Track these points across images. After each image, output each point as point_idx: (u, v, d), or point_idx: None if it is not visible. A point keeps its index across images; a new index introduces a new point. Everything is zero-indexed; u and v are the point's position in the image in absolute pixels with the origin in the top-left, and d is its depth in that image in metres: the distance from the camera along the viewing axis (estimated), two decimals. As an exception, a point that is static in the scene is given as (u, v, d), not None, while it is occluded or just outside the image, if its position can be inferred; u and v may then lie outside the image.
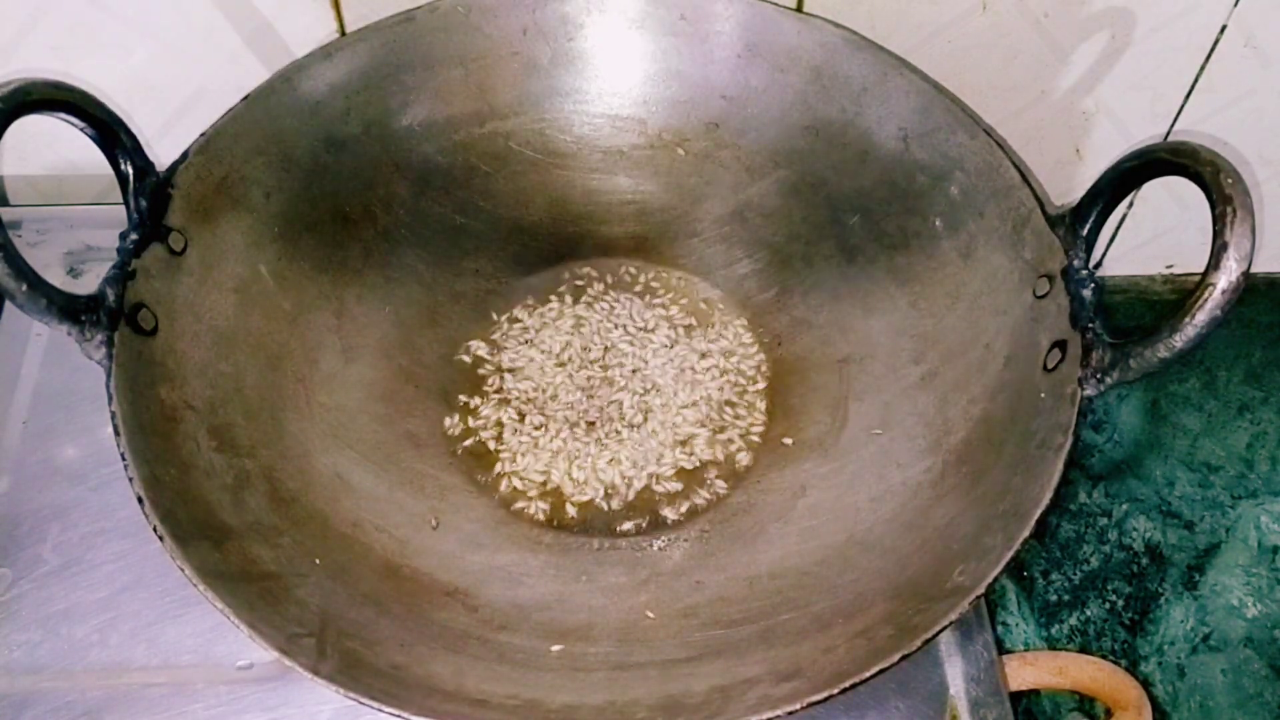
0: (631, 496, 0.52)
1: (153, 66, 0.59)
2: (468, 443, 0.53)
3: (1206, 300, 0.37)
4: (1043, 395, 0.45)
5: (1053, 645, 0.64)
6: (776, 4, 0.55)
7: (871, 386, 0.53)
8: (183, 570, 0.39)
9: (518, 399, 0.54)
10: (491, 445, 0.53)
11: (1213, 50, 0.60)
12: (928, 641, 0.39)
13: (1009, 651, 0.56)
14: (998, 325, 0.49)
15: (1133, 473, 0.69)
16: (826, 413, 0.53)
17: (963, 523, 0.45)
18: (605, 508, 0.51)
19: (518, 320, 0.57)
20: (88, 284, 0.47)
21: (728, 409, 0.54)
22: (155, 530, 0.40)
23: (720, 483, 0.52)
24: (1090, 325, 0.43)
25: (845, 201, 0.55)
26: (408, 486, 0.50)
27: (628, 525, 0.51)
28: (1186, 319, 0.38)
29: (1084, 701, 0.63)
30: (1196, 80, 0.62)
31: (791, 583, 0.47)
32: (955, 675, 0.49)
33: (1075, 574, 0.66)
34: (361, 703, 0.38)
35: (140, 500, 0.40)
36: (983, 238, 0.50)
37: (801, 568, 0.48)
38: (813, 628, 0.44)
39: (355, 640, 0.42)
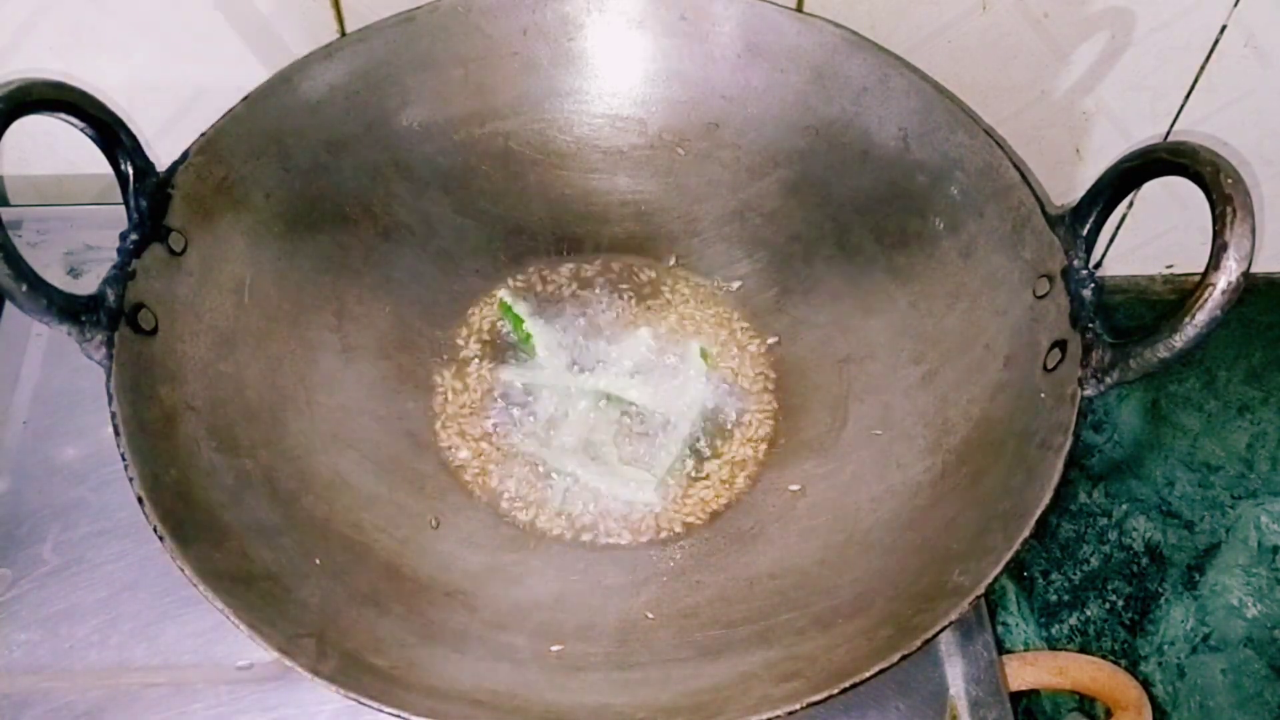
0: (631, 496, 0.52)
1: (153, 66, 0.59)
2: (468, 443, 0.53)
3: (1206, 300, 0.37)
4: (1043, 395, 0.45)
5: (1053, 645, 0.64)
6: (776, 4, 0.55)
7: (871, 386, 0.53)
8: (183, 570, 0.39)
9: (518, 399, 0.54)
10: (492, 445, 0.53)
11: (1213, 50, 0.60)
12: (928, 641, 0.39)
13: (1009, 651, 0.56)
14: (998, 325, 0.49)
15: (1133, 473, 0.69)
16: (826, 413, 0.53)
17: (963, 523, 0.45)
18: (605, 508, 0.51)
19: (518, 320, 0.56)
20: (88, 284, 0.47)
21: (728, 410, 0.54)
22: (155, 530, 0.40)
23: (721, 483, 0.52)
24: (1090, 325, 0.43)
25: (845, 201, 0.55)
26: (408, 486, 0.50)
27: (628, 525, 0.51)
28: (1186, 319, 0.38)
29: (1084, 701, 0.63)
30: (1196, 80, 0.62)
31: (791, 583, 0.47)
32: (955, 675, 0.49)
33: (1075, 574, 0.66)
34: (361, 703, 0.38)
35: (140, 500, 0.40)
36: (983, 238, 0.50)
37: (801, 568, 0.48)
38: (813, 628, 0.44)
39: (355, 640, 0.42)
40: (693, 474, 0.52)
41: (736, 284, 0.58)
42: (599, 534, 0.50)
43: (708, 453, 0.53)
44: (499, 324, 0.56)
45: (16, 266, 0.40)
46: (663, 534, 0.50)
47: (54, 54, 0.58)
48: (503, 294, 0.57)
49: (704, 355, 0.55)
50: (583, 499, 0.51)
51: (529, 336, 0.55)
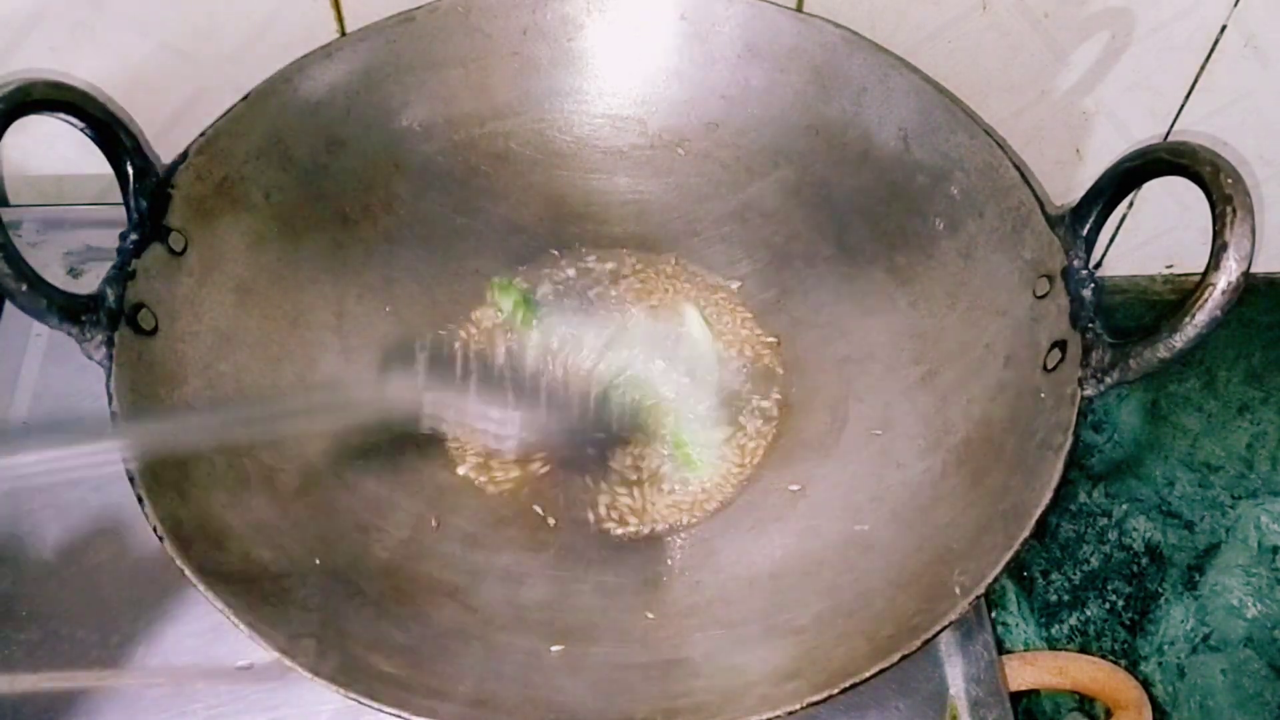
0: (631, 498, 0.52)
1: (153, 66, 0.59)
2: (469, 443, 0.53)
3: (1206, 300, 0.37)
4: (1043, 395, 0.45)
5: (1053, 645, 0.64)
6: (776, 4, 0.55)
7: (871, 386, 0.53)
8: (183, 570, 0.39)
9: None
10: (494, 445, 0.53)
11: (1213, 50, 0.60)
12: (928, 641, 0.39)
13: (1009, 651, 0.56)
14: (998, 325, 0.49)
15: (1133, 473, 0.69)
16: (826, 413, 0.53)
17: (963, 523, 0.45)
18: (605, 510, 0.51)
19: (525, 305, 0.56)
20: (88, 284, 0.47)
21: (727, 410, 0.54)
22: (155, 530, 0.40)
23: (720, 482, 0.52)
24: (1090, 325, 0.43)
25: (845, 201, 0.55)
26: (408, 486, 0.50)
27: (628, 526, 0.51)
28: (1186, 319, 0.38)
29: (1084, 701, 0.63)
30: (1196, 80, 0.62)
31: (791, 583, 0.47)
32: (955, 675, 0.49)
33: (1075, 574, 0.66)
34: (361, 703, 0.38)
35: (140, 500, 0.40)
36: (983, 238, 0.50)
37: (801, 568, 0.48)
38: (812, 628, 0.44)
39: (355, 640, 0.42)
40: (693, 471, 0.52)
41: (736, 284, 0.58)
42: (601, 532, 0.50)
43: (710, 450, 0.53)
44: (500, 324, 0.56)
45: (16, 266, 0.40)
46: (664, 532, 0.50)
47: (54, 54, 0.58)
48: (499, 279, 0.57)
49: (704, 321, 0.55)
50: (584, 497, 0.51)
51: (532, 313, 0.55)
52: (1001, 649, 0.51)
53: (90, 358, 0.43)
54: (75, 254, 0.61)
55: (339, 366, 0.52)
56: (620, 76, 0.58)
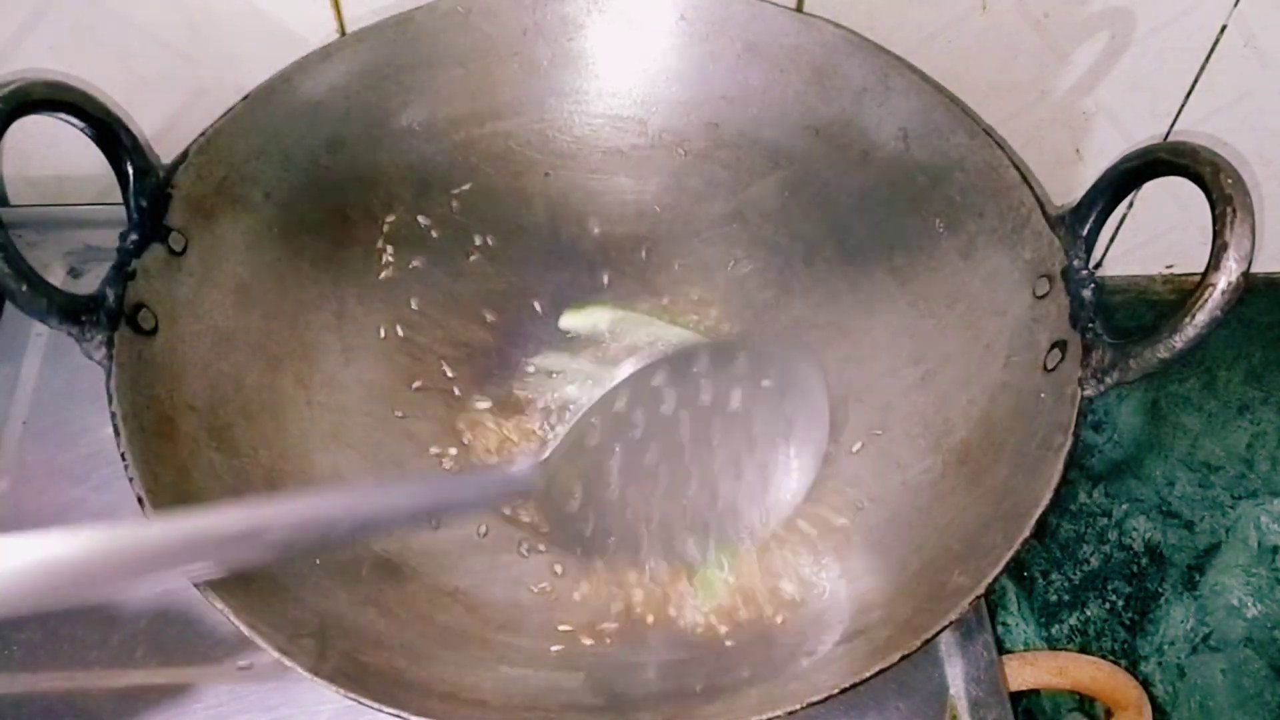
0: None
1: (153, 66, 0.59)
2: (469, 443, 0.53)
3: (1206, 300, 0.37)
4: (1043, 395, 0.45)
5: (1053, 645, 0.65)
6: (776, 4, 0.55)
7: (871, 386, 0.53)
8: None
9: (520, 397, 0.54)
10: (493, 447, 0.53)
11: (1213, 50, 0.60)
12: (928, 641, 0.39)
13: (1009, 651, 0.56)
14: (998, 325, 0.49)
15: (1133, 473, 0.69)
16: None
17: (963, 523, 0.45)
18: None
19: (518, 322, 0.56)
20: (88, 284, 0.47)
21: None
22: (155, 530, 0.40)
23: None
24: (1090, 325, 0.43)
25: (845, 201, 0.55)
26: (408, 486, 0.50)
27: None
28: (1186, 319, 0.38)
29: (1084, 701, 0.63)
30: (1196, 80, 0.62)
31: (791, 582, 0.47)
32: (955, 675, 0.49)
33: (1075, 574, 0.66)
34: (361, 703, 0.38)
35: (140, 500, 0.40)
36: (983, 238, 0.50)
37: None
38: (813, 627, 0.44)
39: (355, 640, 0.42)
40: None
41: (736, 284, 0.58)
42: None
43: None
44: (498, 324, 0.56)
45: (16, 266, 0.40)
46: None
47: (54, 54, 0.58)
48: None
49: None
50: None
51: None
52: (1001, 649, 0.51)
53: (90, 358, 0.43)
54: (75, 254, 0.61)
55: (339, 366, 0.52)
56: (620, 76, 0.58)
